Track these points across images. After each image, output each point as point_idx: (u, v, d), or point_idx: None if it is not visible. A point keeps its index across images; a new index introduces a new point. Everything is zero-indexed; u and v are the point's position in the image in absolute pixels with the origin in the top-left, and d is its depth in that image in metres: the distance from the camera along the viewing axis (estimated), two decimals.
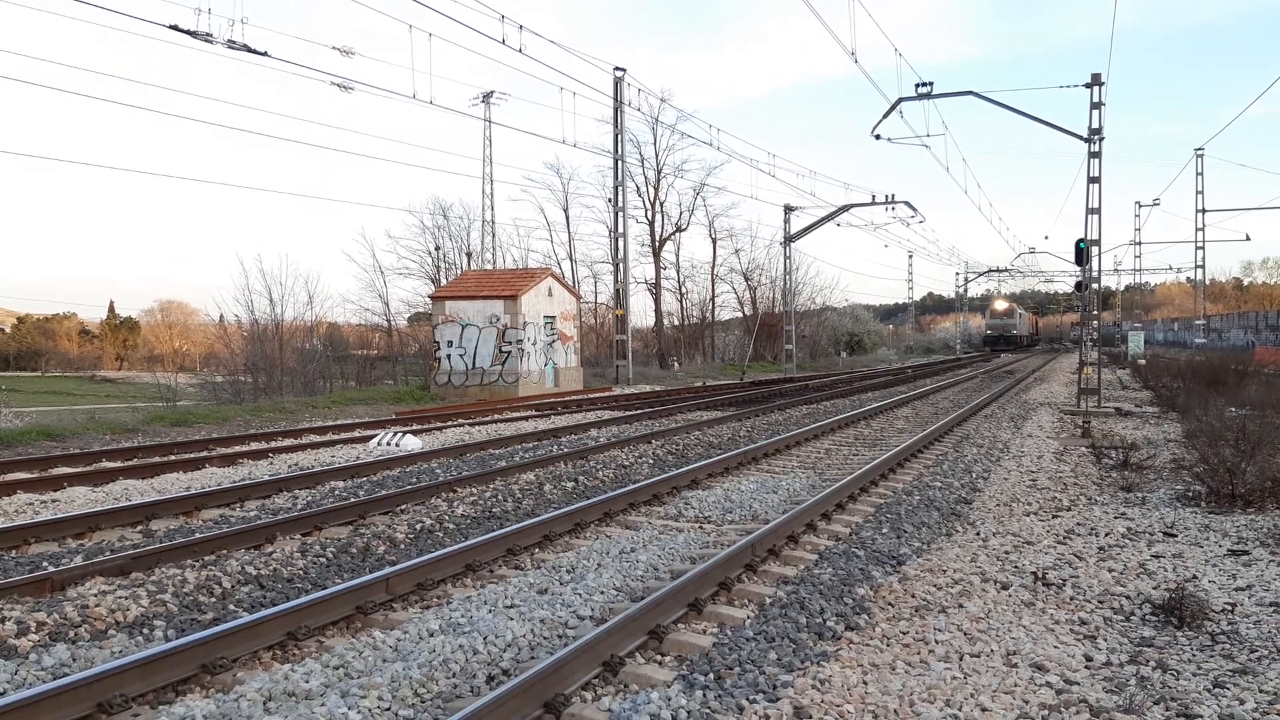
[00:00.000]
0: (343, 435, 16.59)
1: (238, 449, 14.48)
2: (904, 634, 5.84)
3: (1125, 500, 10.46)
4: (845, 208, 44.00)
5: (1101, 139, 22.23)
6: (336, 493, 10.59)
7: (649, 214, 54.34)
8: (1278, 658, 5.44)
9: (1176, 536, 8.64)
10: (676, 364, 48.58)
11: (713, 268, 59.83)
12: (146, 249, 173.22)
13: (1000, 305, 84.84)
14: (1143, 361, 39.40)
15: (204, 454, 13.81)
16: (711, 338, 61.00)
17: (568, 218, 55.41)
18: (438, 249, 52.56)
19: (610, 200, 36.12)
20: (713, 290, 60.26)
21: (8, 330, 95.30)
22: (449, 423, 19.08)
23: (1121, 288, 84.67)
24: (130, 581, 6.72)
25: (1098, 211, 22.42)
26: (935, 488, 10.87)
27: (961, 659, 5.41)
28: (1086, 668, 5.32)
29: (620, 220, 34.29)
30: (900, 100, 23.41)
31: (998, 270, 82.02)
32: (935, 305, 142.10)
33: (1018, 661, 5.39)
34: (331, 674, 5.04)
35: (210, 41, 16.99)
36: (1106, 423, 19.00)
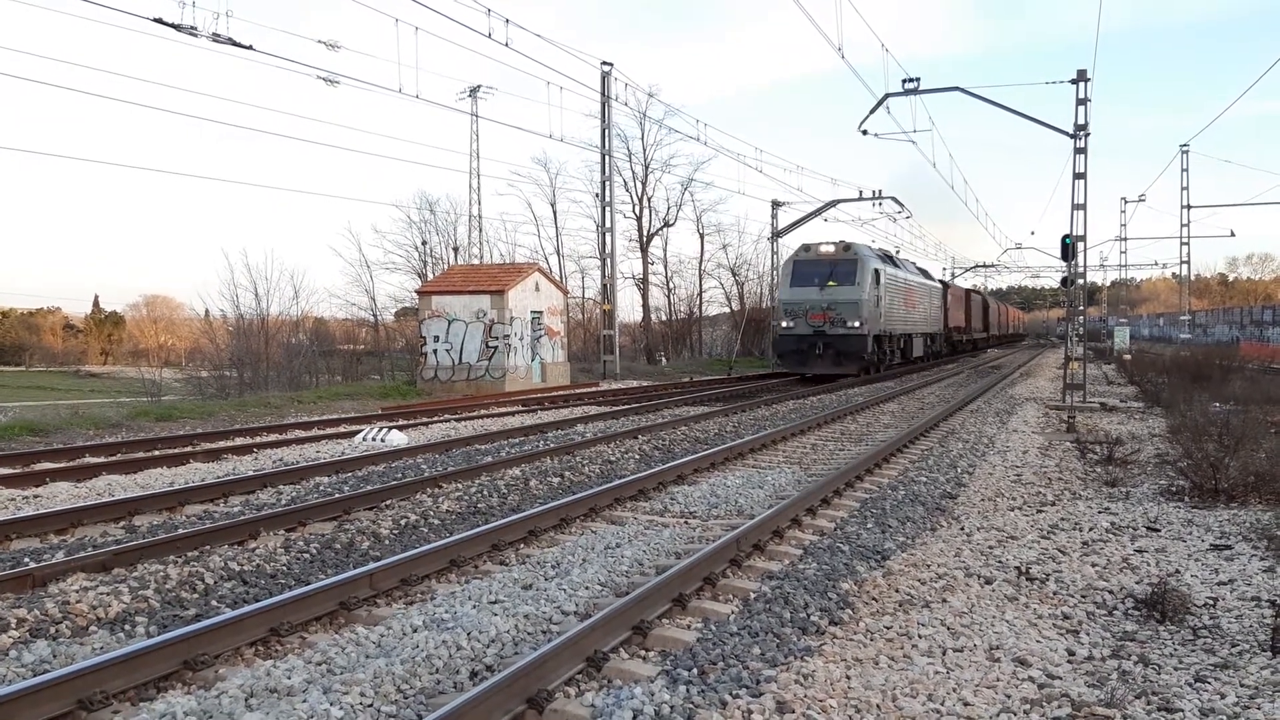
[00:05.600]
0: (328, 430, 16.53)
1: (222, 444, 14.40)
2: (887, 628, 5.85)
3: (1109, 495, 10.50)
4: (833, 203, 44.07)
5: (1087, 135, 22.30)
6: (321, 488, 10.55)
7: (636, 209, 54.23)
8: (1259, 652, 5.47)
9: (1160, 531, 8.68)
10: (664, 359, 48.57)
11: (700, 263, 59.74)
12: (131, 243, 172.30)
13: (826, 247, 31.67)
14: (1128, 357, 39.60)
15: (188, 449, 13.75)
16: (699, 333, 60.97)
17: (555, 213, 55.29)
18: (424, 244, 52.48)
19: (598, 195, 36.10)
20: (700, 286, 60.18)
21: None
22: (435, 418, 19.04)
23: (1107, 283, 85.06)
24: (112, 577, 6.68)
25: (1083, 207, 22.49)
26: (920, 482, 10.89)
27: (944, 653, 5.42)
28: (1069, 662, 5.34)
29: (607, 215, 34.25)
30: (887, 96, 23.43)
31: (984, 265, 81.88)
32: None
33: (1000, 656, 5.40)
34: (314, 670, 5.02)
35: (195, 35, 16.89)
36: (1091, 418, 19.08)
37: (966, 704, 4.69)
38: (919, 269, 43.76)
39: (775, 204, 47.18)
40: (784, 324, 30.68)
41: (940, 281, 48.14)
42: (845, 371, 29.76)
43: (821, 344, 29.72)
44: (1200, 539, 8.34)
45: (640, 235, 54.42)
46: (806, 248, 31.92)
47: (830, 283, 30.17)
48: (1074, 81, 22.25)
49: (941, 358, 46.20)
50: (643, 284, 54.54)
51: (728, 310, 62.47)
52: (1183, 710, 4.63)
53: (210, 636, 5.24)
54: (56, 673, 4.63)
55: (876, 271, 31.21)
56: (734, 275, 61.34)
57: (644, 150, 53.79)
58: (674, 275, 59.44)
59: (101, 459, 12.85)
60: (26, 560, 7.25)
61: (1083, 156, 22.37)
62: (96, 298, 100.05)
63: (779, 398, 23.17)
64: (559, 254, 55.06)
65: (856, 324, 29.54)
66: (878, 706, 4.65)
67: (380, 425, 16.36)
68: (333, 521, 8.79)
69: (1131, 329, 55.52)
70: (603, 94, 32.83)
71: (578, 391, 26.92)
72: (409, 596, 6.57)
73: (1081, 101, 22.20)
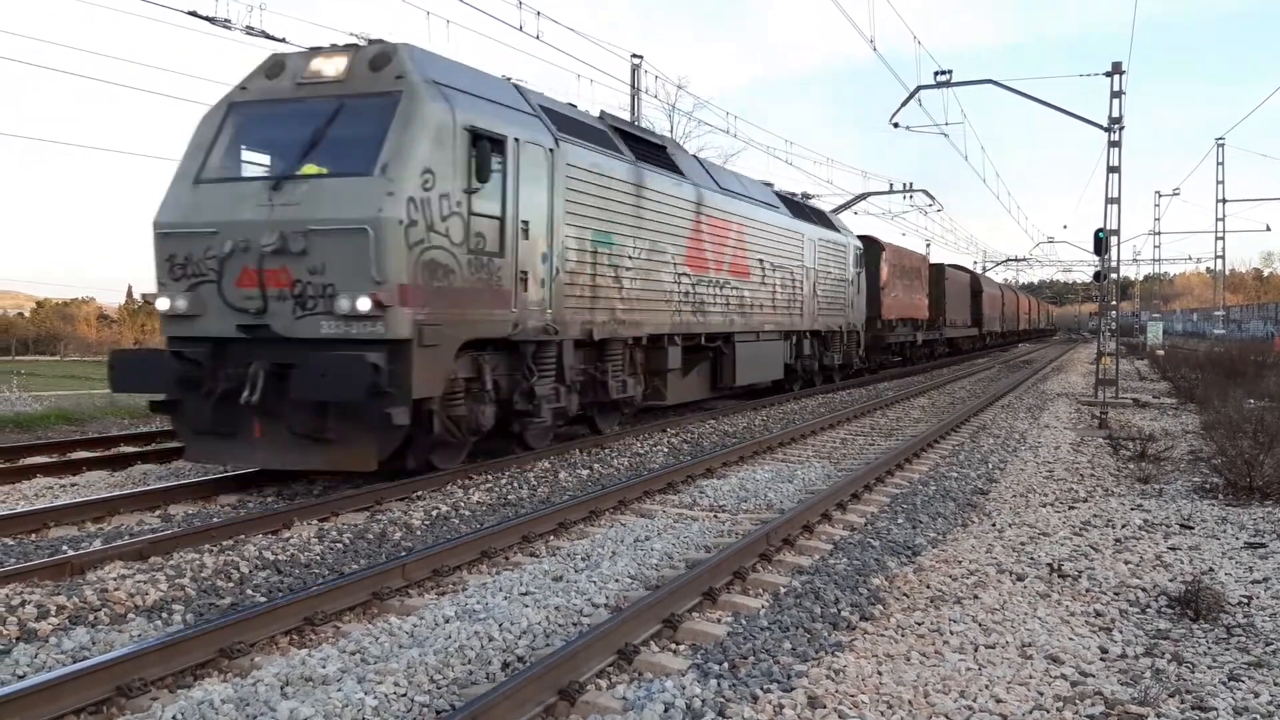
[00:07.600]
0: None
1: None
2: (919, 625, 5.83)
3: (1142, 492, 10.41)
4: (863, 196, 43.74)
5: (1121, 128, 22.06)
6: (353, 479, 10.61)
7: None
8: None
9: (1193, 529, 8.60)
10: None
11: None
12: None
13: (320, 62, 9.31)
14: (1161, 352, 39.15)
15: None
16: None
17: None
18: None
19: None
20: None
21: (27, 315, 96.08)
22: None
23: (1140, 278, 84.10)
24: (149, 566, 6.77)
25: (1117, 201, 22.27)
26: (951, 478, 10.84)
27: (976, 650, 5.41)
28: (1102, 660, 5.31)
29: None
30: (919, 88, 23.32)
31: (1016, 259, 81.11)
32: None
33: (1033, 653, 5.38)
34: (348, 660, 5.07)
35: (228, 28, 16.98)
36: (1124, 414, 18.90)
37: (999, 701, 4.68)
38: (790, 197, 23.16)
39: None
40: (162, 304, 9.25)
41: (862, 237, 28.00)
42: (335, 462, 9.28)
43: (260, 374, 8.66)
44: (1234, 537, 8.26)
45: None
46: (272, 67, 9.88)
47: (310, 167, 8.99)
48: (1109, 74, 22.01)
49: (852, 374, 26.01)
50: None
51: None
52: (1216, 709, 4.60)
53: (246, 625, 5.30)
54: (96, 659, 4.71)
55: (492, 141, 9.76)
56: None
57: None
58: None
59: (136, 448, 13.00)
60: (65, 548, 7.36)
61: (1117, 150, 22.14)
62: (130, 288, 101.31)
63: (807, 391, 22.96)
64: None
65: (364, 304, 8.45)
66: (909, 702, 4.64)
67: None
68: (365, 512, 8.85)
69: (1165, 324, 54.83)
70: (633, 86, 32.77)
71: None
72: (441, 587, 6.61)
73: (1116, 94, 21.95)
